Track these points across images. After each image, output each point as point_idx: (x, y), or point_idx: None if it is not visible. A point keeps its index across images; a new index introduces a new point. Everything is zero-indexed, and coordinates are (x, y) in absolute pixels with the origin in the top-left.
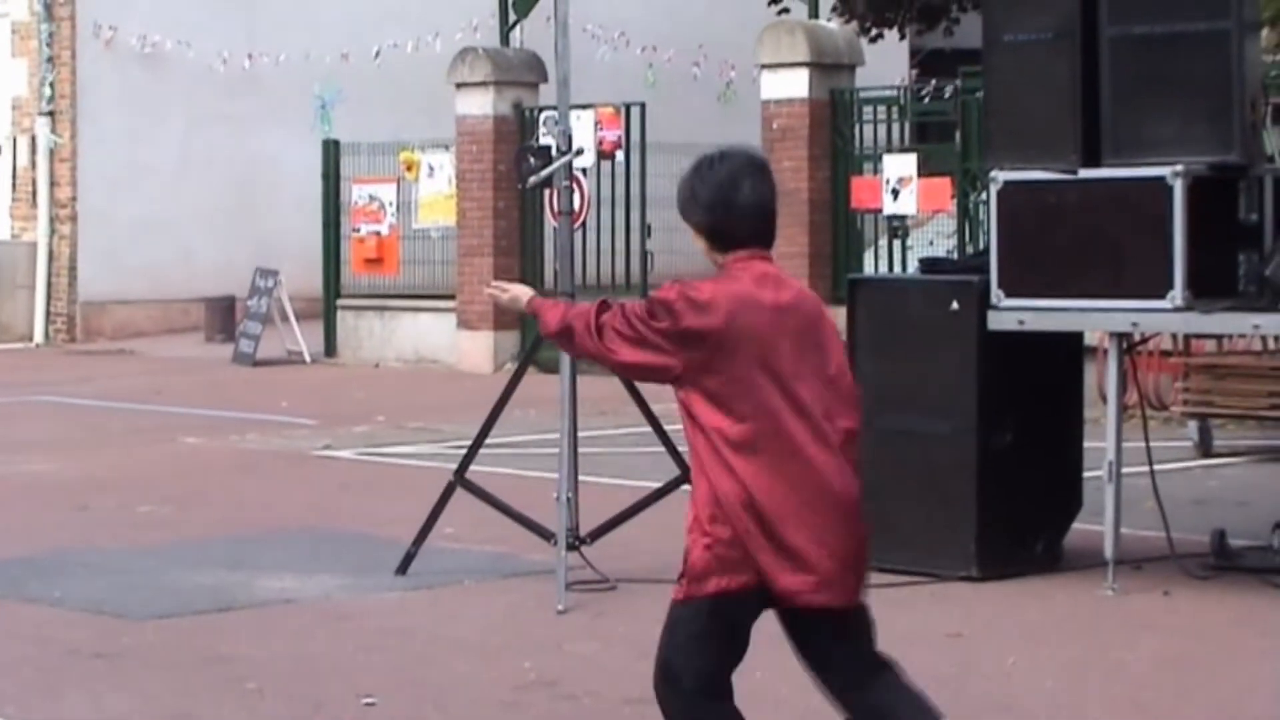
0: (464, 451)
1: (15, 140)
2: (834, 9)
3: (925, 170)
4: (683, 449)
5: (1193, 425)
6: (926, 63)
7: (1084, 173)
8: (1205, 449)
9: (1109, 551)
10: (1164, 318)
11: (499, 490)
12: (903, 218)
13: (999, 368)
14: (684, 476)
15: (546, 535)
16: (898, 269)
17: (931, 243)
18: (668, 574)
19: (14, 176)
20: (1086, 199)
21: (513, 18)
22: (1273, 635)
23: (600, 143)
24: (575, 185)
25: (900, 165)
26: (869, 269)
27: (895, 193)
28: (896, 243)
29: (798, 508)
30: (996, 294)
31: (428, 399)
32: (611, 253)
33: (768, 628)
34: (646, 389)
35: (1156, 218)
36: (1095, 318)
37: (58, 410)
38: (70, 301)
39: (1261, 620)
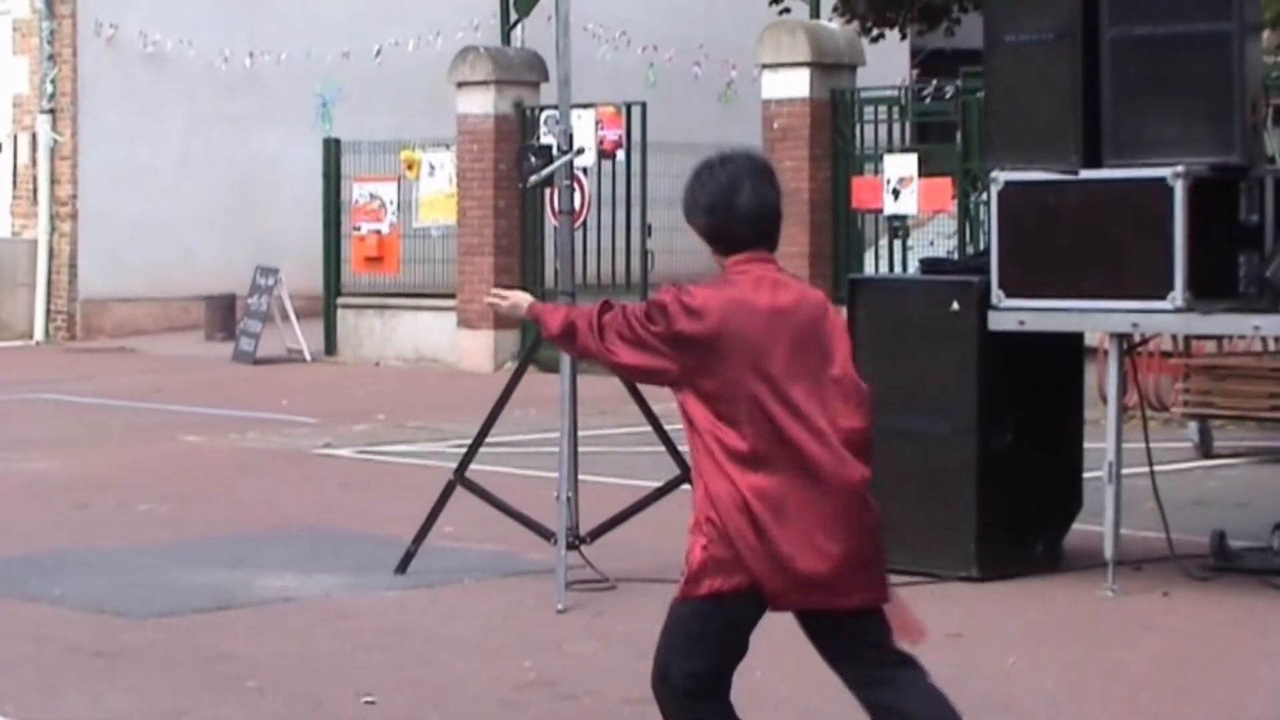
0: (464, 450)
1: (16, 138)
2: (835, 9)
3: (926, 170)
4: (683, 448)
5: (1193, 426)
6: (927, 63)
7: (1085, 173)
8: (1205, 450)
9: (1109, 552)
10: (1164, 319)
11: (499, 489)
12: (903, 218)
13: (999, 368)
14: (684, 476)
15: (546, 534)
16: (898, 269)
17: (932, 243)
18: (667, 574)
19: (15, 174)
20: (1087, 200)
21: (514, 17)
22: (1272, 636)
23: (601, 142)
24: (576, 184)
25: (901, 165)
26: (869, 269)
27: (896, 193)
28: (897, 243)
29: (791, 511)
30: (997, 294)
31: (428, 398)
32: (612, 252)
33: (767, 628)
34: (646, 388)
35: (1157, 218)
36: (1096, 318)
37: (58, 408)
38: (70, 299)
39: (1261, 621)
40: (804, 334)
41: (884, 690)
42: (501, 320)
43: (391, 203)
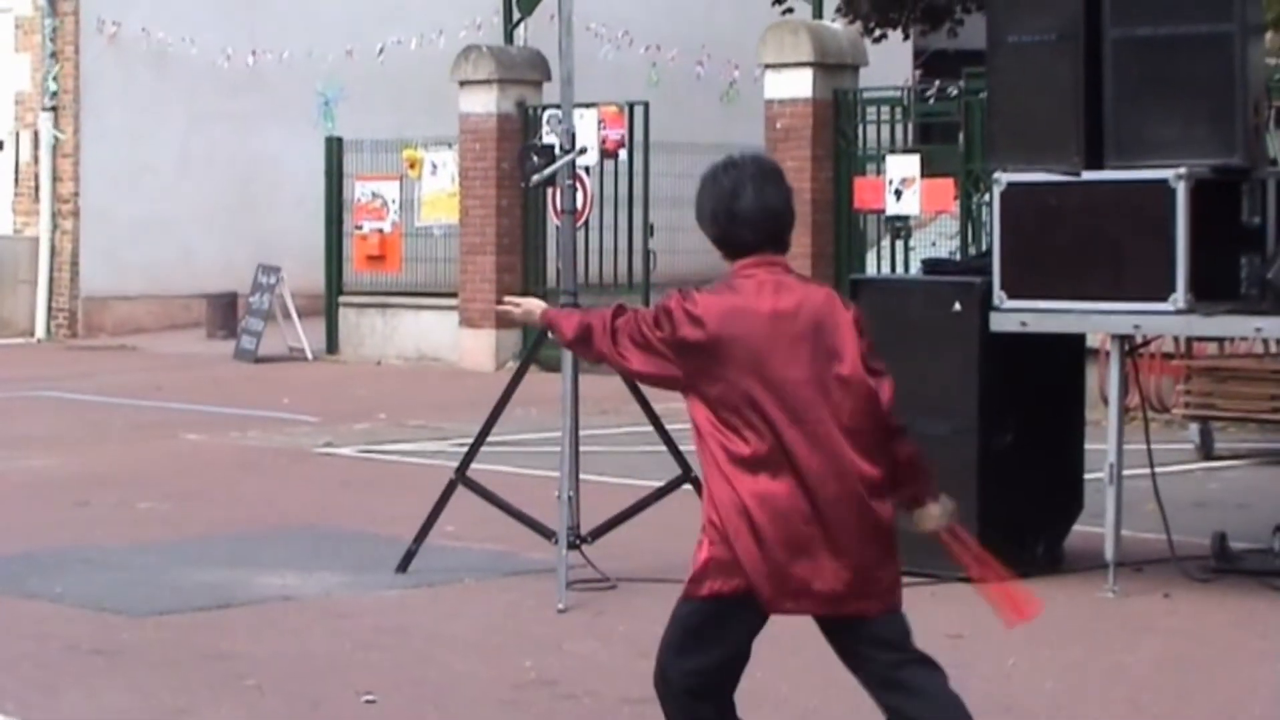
0: (465, 449)
1: (18, 135)
2: (838, 9)
3: (928, 171)
4: (684, 448)
5: (1194, 428)
6: (930, 63)
7: (1087, 174)
8: (1206, 452)
9: (1110, 553)
10: (1166, 320)
11: (500, 488)
12: (905, 218)
13: (1000, 369)
14: (685, 476)
15: (547, 534)
16: (900, 270)
17: (934, 244)
18: (668, 573)
19: (16, 172)
20: (1089, 201)
21: (516, 16)
22: (1273, 638)
23: (603, 141)
24: (578, 184)
25: (903, 166)
26: (871, 269)
27: (898, 193)
28: (899, 243)
29: (790, 516)
30: (999, 295)
31: (429, 397)
32: (614, 251)
33: (767, 628)
34: (648, 388)
35: (1159, 220)
36: (1097, 320)
37: (59, 406)
38: (72, 297)
39: (1261, 622)
40: (808, 336)
41: (899, 694)
42: (503, 320)
43: (393, 201)
